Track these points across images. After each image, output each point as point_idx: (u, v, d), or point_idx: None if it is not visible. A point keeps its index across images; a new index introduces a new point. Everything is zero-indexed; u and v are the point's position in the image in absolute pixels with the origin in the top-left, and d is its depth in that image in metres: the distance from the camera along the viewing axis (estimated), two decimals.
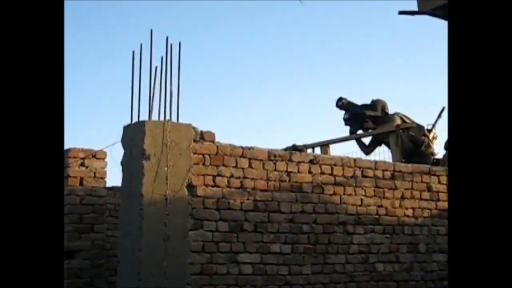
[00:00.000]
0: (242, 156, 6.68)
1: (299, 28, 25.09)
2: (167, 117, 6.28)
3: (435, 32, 22.44)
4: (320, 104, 26.06)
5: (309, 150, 10.33)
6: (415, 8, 7.25)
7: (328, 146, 10.79)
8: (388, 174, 7.67)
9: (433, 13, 7.00)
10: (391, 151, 10.40)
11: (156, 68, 6.29)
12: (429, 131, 10.78)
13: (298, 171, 7.01)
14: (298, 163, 7.04)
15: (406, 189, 7.78)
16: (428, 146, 10.55)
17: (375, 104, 11.04)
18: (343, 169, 7.33)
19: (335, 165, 7.30)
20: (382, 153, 10.89)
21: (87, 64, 24.63)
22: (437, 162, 9.92)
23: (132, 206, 6.15)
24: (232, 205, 6.53)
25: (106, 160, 7.59)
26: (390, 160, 9.62)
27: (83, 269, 7.01)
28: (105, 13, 24.31)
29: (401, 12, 7.04)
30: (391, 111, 11.04)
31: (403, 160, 9.63)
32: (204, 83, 23.72)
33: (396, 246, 7.55)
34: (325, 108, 23.94)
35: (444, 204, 7.99)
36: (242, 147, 6.72)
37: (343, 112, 11.13)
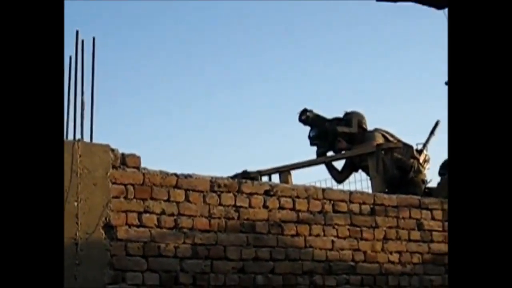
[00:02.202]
0: (176, 186, 6.69)
1: (256, 26, 25.21)
2: (78, 136, 6.30)
3: (424, 24, 22.68)
4: (278, 119, 26.11)
5: (265, 178, 10.38)
6: None
7: (289, 173, 10.80)
8: (367, 208, 7.76)
9: None
10: (371, 179, 10.40)
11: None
12: (420, 152, 10.85)
13: (250, 206, 7.04)
14: (250, 194, 7.07)
15: (390, 227, 7.87)
16: (418, 171, 10.62)
17: (350, 118, 11.04)
18: (308, 202, 7.39)
19: (298, 197, 7.35)
20: (359, 181, 10.90)
21: None
22: (429, 192, 10.02)
23: None
24: (164, 250, 6.52)
25: None
26: (370, 190, 9.64)
27: None
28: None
29: None
30: (370, 126, 11.09)
31: (386, 190, 9.70)
32: (128, 93, 23.63)
33: None
34: (284, 123, 23.95)
35: (439, 246, 8.13)
36: (176, 175, 6.73)
37: (308, 128, 11.15)
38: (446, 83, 7.43)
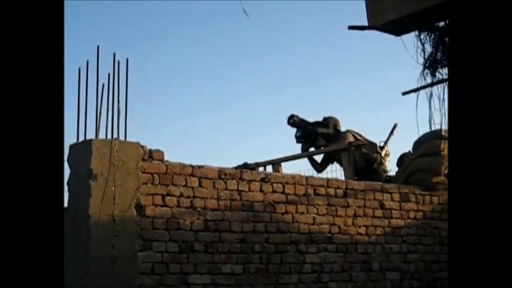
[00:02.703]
0: (192, 175, 6.71)
1: (250, 46, 25.21)
2: (115, 136, 6.30)
3: (386, 47, 22.79)
4: (272, 122, 26.12)
5: (261, 168, 10.37)
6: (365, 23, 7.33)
7: (280, 164, 10.81)
8: (340, 192, 7.76)
9: (384, 28, 7.08)
10: (344, 169, 10.42)
11: (103, 85, 6.31)
12: (382, 148, 10.89)
13: (249, 190, 7.06)
14: (249, 181, 7.10)
15: (359, 206, 7.87)
16: (381, 163, 10.64)
17: (327, 122, 11.06)
18: (295, 187, 7.41)
19: (286, 183, 7.37)
20: (335, 171, 10.94)
21: None
22: (389, 179, 10.05)
23: (79, 228, 6.13)
24: (182, 225, 6.55)
25: None
26: (343, 178, 9.65)
27: None
28: None
29: (351, 27, 7.13)
30: (343, 128, 11.09)
31: (356, 177, 9.70)
32: (153, 101, 23.64)
33: (349, 265, 7.63)
34: (276, 125, 23.99)
35: (397, 222, 8.14)
36: (192, 166, 6.75)
37: (294, 129, 11.17)
38: (403, 94, 7.48)
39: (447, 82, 6.82)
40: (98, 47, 6.29)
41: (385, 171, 10.68)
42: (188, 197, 6.65)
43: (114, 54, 6.39)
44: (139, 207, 6.33)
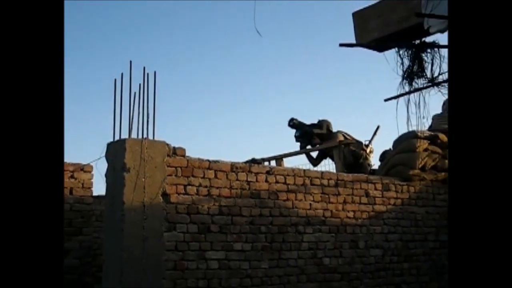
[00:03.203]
0: (208, 168, 6.64)
1: (260, 61, 25.22)
2: (145, 135, 6.23)
3: (371, 61, 22.68)
4: (275, 124, 26.10)
5: (266, 163, 10.26)
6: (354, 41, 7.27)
7: (282, 159, 10.76)
8: (332, 182, 7.67)
9: (369, 45, 7.04)
10: (335, 163, 10.40)
11: (135, 93, 6.26)
12: (367, 146, 10.78)
13: (257, 181, 6.99)
14: (257, 173, 7.01)
15: (348, 195, 7.78)
16: (366, 158, 10.57)
17: (321, 124, 11.04)
18: (294, 178, 7.32)
19: (287, 175, 7.29)
20: (328, 165, 10.90)
21: (75, 92, 24.45)
22: (373, 172, 9.96)
23: (115, 212, 6.08)
24: (200, 210, 6.48)
25: (93, 172, 7.51)
26: (334, 171, 9.64)
27: (72, 267, 6.89)
28: (93, 47, 24.14)
29: (342, 45, 7.05)
30: (334, 129, 11.05)
31: (345, 170, 9.60)
32: (177, 105, 23.64)
33: (340, 243, 7.55)
34: (279, 127, 24.01)
35: (379, 208, 8.05)
36: (208, 161, 6.67)
37: (294, 130, 11.13)
38: (385, 100, 7.36)
39: (422, 91, 6.77)
40: (130, 62, 6.23)
41: (369, 165, 10.59)
42: (206, 186, 6.58)
43: (144, 68, 6.33)
44: (165, 195, 6.27)
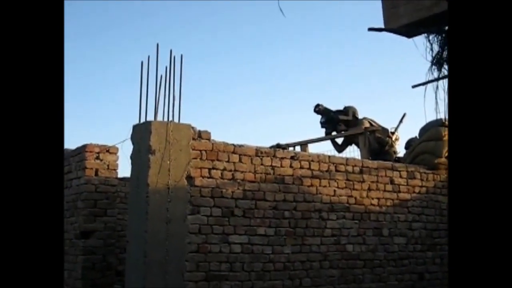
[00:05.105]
0: (233, 152, 6.62)
1: (287, 46, 25.13)
2: (170, 118, 6.22)
3: (399, 47, 22.48)
4: (301, 110, 26.09)
5: (291, 148, 10.28)
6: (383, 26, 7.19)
7: (307, 145, 10.77)
8: (357, 169, 7.62)
9: (398, 30, 6.94)
10: (360, 150, 10.37)
11: (161, 76, 6.24)
12: (392, 133, 10.76)
13: (281, 166, 6.95)
14: (281, 159, 6.98)
15: (372, 182, 7.73)
16: (391, 146, 10.55)
17: (347, 110, 11.00)
18: (319, 164, 7.28)
19: (312, 161, 7.24)
20: (353, 152, 10.87)
21: (105, 75, 24.62)
22: (398, 160, 9.90)
23: (139, 194, 6.10)
24: (224, 194, 6.48)
25: (118, 154, 7.50)
26: (359, 157, 9.57)
27: (97, 247, 6.94)
28: (120, 30, 24.26)
29: (370, 29, 6.98)
30: (360, 116, 10.99)
31: (370, 157, 9.58)
32: (203, 89, 23.71)
33: (363, 230, 7.51)
34: (305, 113, 24.00)
35: (404, 195, 7.99)
36: (233, 145, 6.66)
37: (319, 116, 11.08)
38: (412, 87, 7.28)
39: None
40: (157, 44, 6.21)
41: (395, 152, 10.58)
42: (230, 170, 6.57)
43: (171, 51, 6.30)
44: (189, 178, 6.27)
